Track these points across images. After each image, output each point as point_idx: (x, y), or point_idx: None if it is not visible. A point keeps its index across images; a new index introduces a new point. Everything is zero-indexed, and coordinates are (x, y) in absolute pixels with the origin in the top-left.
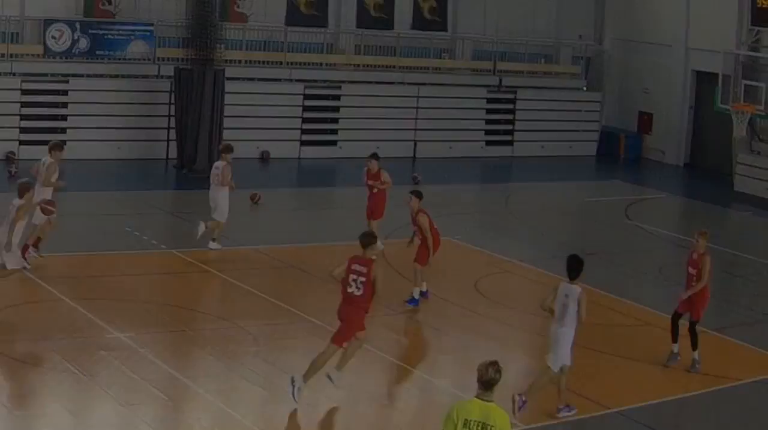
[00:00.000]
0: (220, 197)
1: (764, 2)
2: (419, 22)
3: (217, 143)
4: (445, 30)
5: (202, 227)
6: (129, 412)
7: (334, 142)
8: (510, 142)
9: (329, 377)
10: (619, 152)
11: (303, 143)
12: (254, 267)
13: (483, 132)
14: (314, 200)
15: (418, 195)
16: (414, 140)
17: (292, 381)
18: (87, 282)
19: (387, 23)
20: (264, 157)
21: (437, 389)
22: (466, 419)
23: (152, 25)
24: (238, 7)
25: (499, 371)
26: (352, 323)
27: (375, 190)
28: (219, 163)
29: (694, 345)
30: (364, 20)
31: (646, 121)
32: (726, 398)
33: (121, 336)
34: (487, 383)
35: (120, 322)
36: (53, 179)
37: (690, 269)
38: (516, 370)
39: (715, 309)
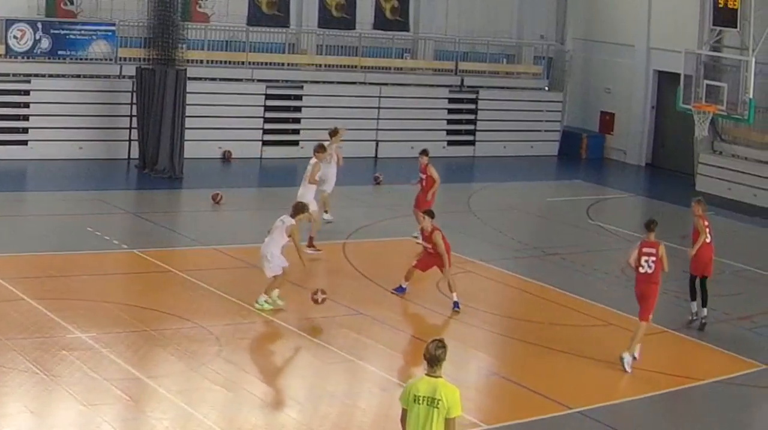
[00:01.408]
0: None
1: (725, 2)
2: (381, 22)
3: (179, 143)
4: (407, 30)
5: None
6: (91, 412)
7: (295, 142)
8: (472, 142)
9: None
10: (581, 152)
11: (265, 143)
12: (216, 267)
13: (445, 132)
14: (276, 200)
15: (430, 214)
16: (376, 140)
17: (621, 359)
18: (49, 282)
19: (349, 23)
20: (226, 157)
21: (399, 388)
22: (415, 395)
23: (114, 25)
24: (199, 7)
25: (440, 348)
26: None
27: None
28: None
29: (704, 302)
30: (325, 20)
31: (607, 121)
32: (687, 398)
33: (83, 336)
34: (431, 359)
35: (82, 322)
36: None
37: (693, 236)
38: (477, 368)
39: (676, 309)
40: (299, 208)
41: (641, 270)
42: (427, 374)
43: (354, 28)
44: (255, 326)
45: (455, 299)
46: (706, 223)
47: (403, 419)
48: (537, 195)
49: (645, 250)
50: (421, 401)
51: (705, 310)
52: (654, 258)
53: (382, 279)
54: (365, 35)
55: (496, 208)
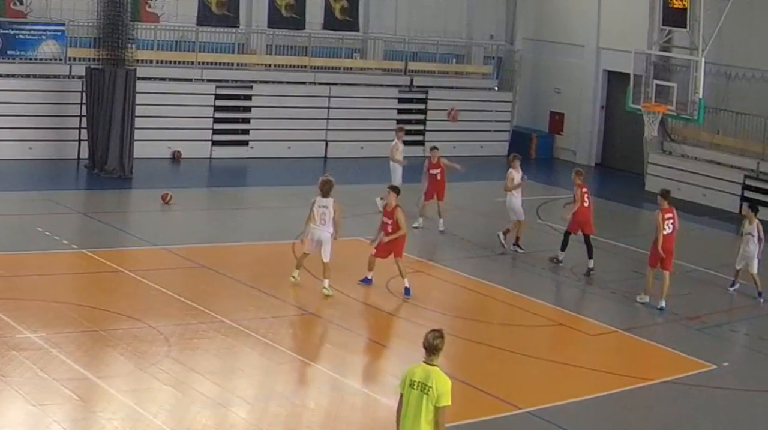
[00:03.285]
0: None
1: (675, 2)
2: (331, 23)
3: (129, 143)
4: (357, 30)
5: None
6: (40, 412)
7: (245, 142)
8: (421, 142)
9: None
10: (531, 152)
11: (214, 143)
12: (166, 267)
13: (394, 132)
14: (225, 200)
15: (396, 190)
16: (325, 140)
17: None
18: None
19: (298, 23)
20: (175, 157)
21: (348, 388)
22: (411, 380)
23: (64, 25)
24: (149, 7)
25: (438, 337)
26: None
27: (438, 178)
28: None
29: (590, 254)
30: (275, 20)
31: (557, 121)
32: (636, 397)
33: (33, 336)
34: (429, 348)
35: (31, 322)
36: None
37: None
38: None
39: (625, 309)
40: (329, 186)
41: (665, 232)
42: (424, 361)
43: (303, 28)
44: (204, 326)
45: (406, 285)
46: (584, 190)
47: (399, 406)
48: (486, 195)
49: (666, 215)
50: (415, 387)
51: (591, 262)
52: (672, 220)
53: (332, 279)
54: (315, 35)
55: (445, 208)
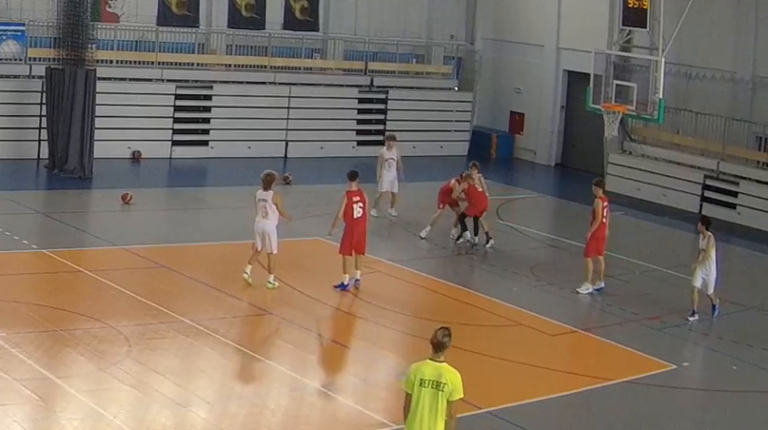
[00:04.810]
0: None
1: (635, 2)
2: (291, 23)
3: (89, 143)
4: (317, 30)
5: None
6: (0, 412)
7: (205, 142)
8: (381, 142)
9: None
10: (491, 152)
11: (174, 143)
12: (126, 267)
13: (354, 132)
14: (185, 200)
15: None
16: (285, 140)
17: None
18: None
19: (258, 23)
20: (135, 157)
21: (307, 388)
22: (422, 379)
23: (24, 25)
24: (109, 7)
25: (446, 335)
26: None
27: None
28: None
29: (476, 232)
30: (235, 20)
31: (517, 121)
32: (596, 397)
33: None
34: (436, 345)
35: None
36: None
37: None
38: (386, 368)
39: (585, 309)
40: (270, 179)
41: (605, 220)
42: (431, 359)
43: (264, 28)
44: (164, 327)
45: (349, 279)
46: (605, 204)
47: (406, 405)
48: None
49: (603, 204)
50: (427, 385)
51: (477, 238)
52: (607, 208)
53: (291, 279)
54: (275, 35)
55: (405, 208)
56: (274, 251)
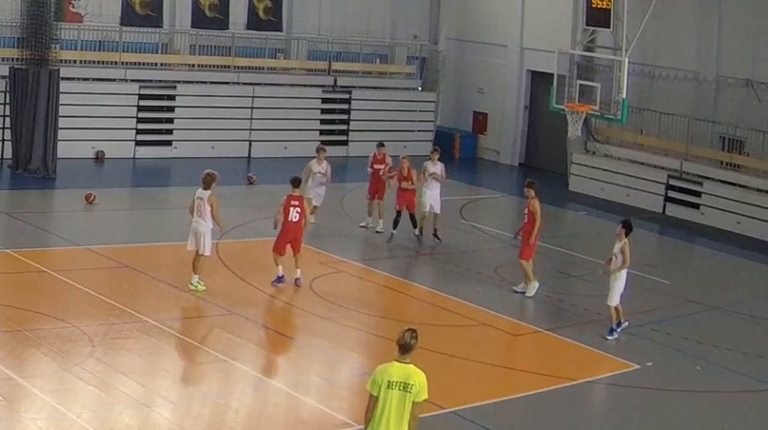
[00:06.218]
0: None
1: (598, 3)
2: (254, 23)
3: (53, 143)
4: (280, 30)
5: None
6: None
7: (168, 142)
8: (345, 142)
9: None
10: (454, 152)
11: (138, 143)
12: (89, 267)
13: (318, 132)
14: (149, 200)
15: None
16: (249, 140)
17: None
18: None
19: (222, 23)
20: (99, 157)
21: (271, 388)
22: (389, 381)
23: None
24: (73, 7)
25: (414, 337)
26: None
27: (382, 175)
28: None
29: (414, 225)
30: (199, 20)
31: (480, 121)
32: (560, 397)
33: None
34: (403, 346)
35: None
36: None
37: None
38: (349, 368)
39: (548, 309)
40: (210, 179)
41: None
42: (397, 360)
43: (227, 28)
44: (128, 326)
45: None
46: (411, 182)
47: (370, 407)
48: None
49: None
50: (394, 387)
51: (416, 230)
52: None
53: (254, 279)
54: (238, 35)
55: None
56: (207, 253)
